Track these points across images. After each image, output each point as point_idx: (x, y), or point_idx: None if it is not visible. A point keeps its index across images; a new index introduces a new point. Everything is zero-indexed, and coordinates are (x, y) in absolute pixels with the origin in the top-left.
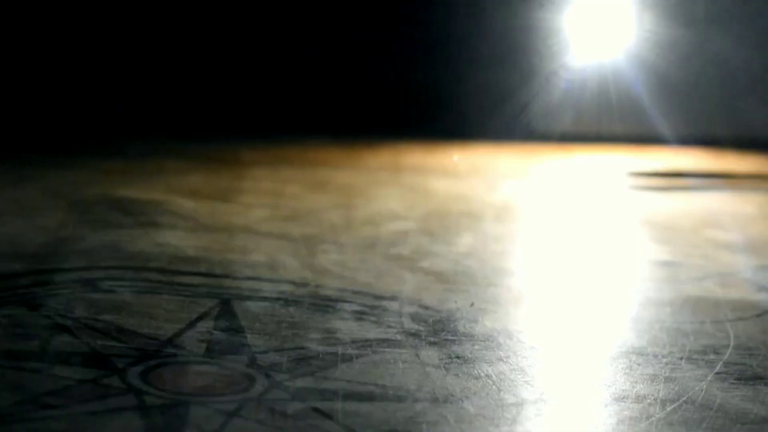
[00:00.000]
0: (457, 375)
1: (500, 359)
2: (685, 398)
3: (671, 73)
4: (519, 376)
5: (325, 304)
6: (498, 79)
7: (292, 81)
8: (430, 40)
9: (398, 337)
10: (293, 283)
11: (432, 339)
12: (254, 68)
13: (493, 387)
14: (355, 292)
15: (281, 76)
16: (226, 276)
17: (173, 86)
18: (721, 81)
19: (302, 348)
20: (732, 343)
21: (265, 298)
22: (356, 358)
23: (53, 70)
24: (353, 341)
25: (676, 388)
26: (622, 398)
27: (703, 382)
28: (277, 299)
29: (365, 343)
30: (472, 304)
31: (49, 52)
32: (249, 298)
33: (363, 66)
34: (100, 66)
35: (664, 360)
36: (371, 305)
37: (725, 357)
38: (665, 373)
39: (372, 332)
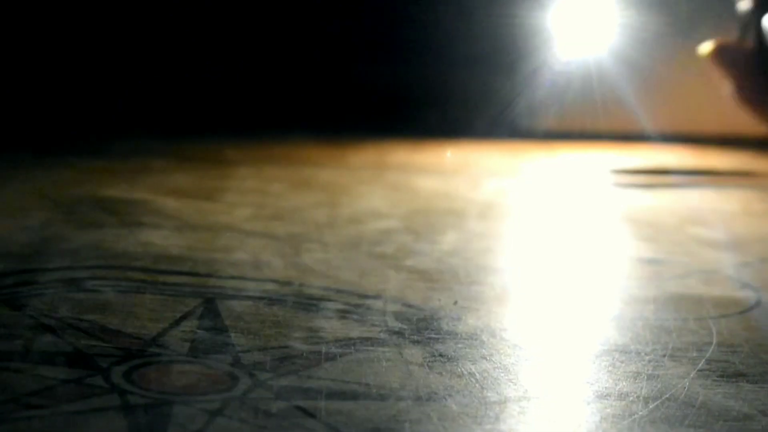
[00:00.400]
0: (440, 373)
1: (484, 357)
2: (667, 395)
3: (655, 69)
4: (502, 374)
5: (308, 303)
6: (482, 77)
7: (276, 80)
8: (414, 38)
9: (382, 335)
10: (277, 282)
11: (415, 337)
12: (238, 67)
13: (477, 385)
14: (338, 291)
15: (265, 75)
16: (210, 275)
17: (157, 86)
18: (705, 78)
19: (286, 347)
20: (715, 341)
21: (249, 297)
22: (340, 356)
23: (35, 70)
24: (337, 340)
25: (659, 386)
26: (605, 396)
27: (686, 380)
28: (261, 298)
29: (349, 342)
30: (455, 303)
31: (31, 51)
32: (233, 297)
33: (347, 65)
34: (82, 66)
35: (647, 357)
36: (355, 304)
37: (708, 354)
38: (648, 370)
39: (355, 331)
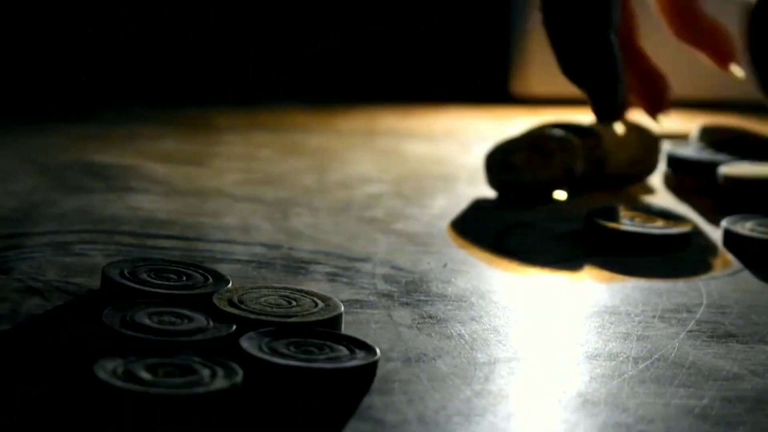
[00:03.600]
0: (429, 335)
1: (473, 319)
2: (657, 356)
3: (645, 33)
4: (492, 336)
5: (297, 266)
6: (473, 42)
7: (264, 45)
8: (402, 1)
9: (371, 298)
10: (266, 245)
11: (405, 300)
12: (226, 33)
13: (466, 346)
14: (327, 254)
15: (253, 40)
16: (198, 239)
17: (145, 51)
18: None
19: None
20: (705, 302)
21: (237, 261)
22: None
23: (21, 35)
24: None
25: (649, 346)
26: (595, 356)
27: (676, 340)
28: (250, 261)
29: None
30: (445, 265)
31: (17, 16)
32: (221, 260)
33: (336, 30)
34: (70, 32)
35: (637, 319)
36: (344, 267)
37: (698, 315)
38: (638, 331)
39: (345, 293)
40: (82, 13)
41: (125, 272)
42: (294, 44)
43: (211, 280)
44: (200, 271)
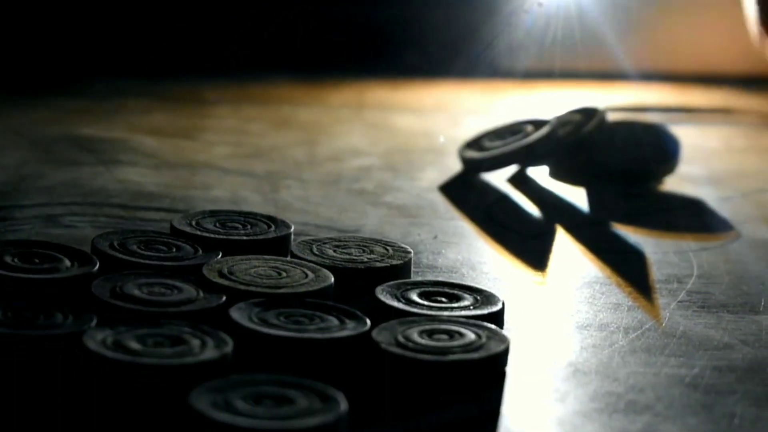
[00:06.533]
0: None
1: None
2: (648, 326)
3: (636, 7)
4: None
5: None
6: (462, 16)
7: (254, 18)
8: None
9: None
10: None
11: None
12: (216, 6)
13: None
14: (318, 226)
15: (243, 12)
16: (188, 211)
17: (135, 25)
18: (686, 15)
19: None
20: (695, 273)
21: None
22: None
23: (10, 9)
24: None
25: (639, 316)
26: (585, 326)
27: (667, 311)
28: None
29: None
30: (435, 237)
31: None
32: None
33: (326, 3)
34: (59, 4)
35: (627, 289)
36: None
37: (688, 286)
38: (628, 302)
39: None
40: None
41: (115, 244)
42: (284, 18)
43: (200, 251)
44: (190, 243)
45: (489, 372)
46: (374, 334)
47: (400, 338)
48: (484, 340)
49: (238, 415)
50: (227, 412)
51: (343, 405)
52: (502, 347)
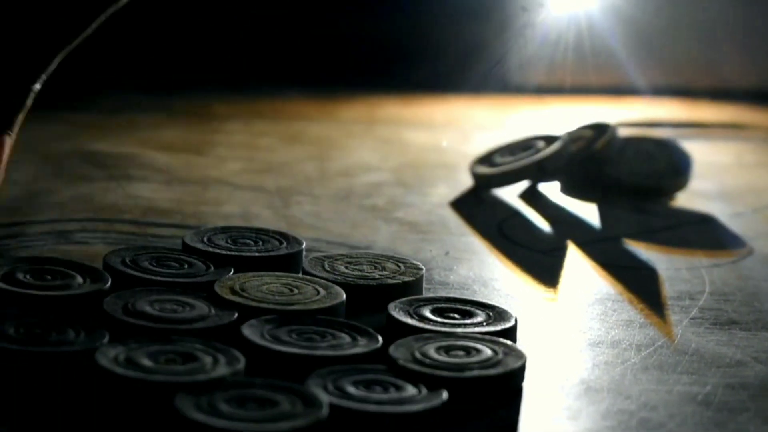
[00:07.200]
0: None
1: None
2: (660, 343)
3: (647, 22)
4: None
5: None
6: (472, 31)
7: (265, 33)
8: None
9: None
10: None
11: None
12: (227, 21)
13: None
14: (329, 243)
15: (254, 28)
16: (199, 227)
17: (146, 40)
18: (697, 31)
19: None
20: (707, 289)
21: None
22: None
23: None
24: None
25: (651, 333)
26: (598, 343)
27: (679, 327)
28: None
29: None
30: (447, 253)
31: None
32: None
33: (337, 18)
34: None
35: (639, 306)
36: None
37: (701, 303)
38: (640, 318)
39: None
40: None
41: (126, 260)
42: (295, 33)
43: (212, 268)
44: (202, 259)
45: (506, 388)
46: (391, 350)
47: (417, 354)
48: (500, 356)
49: (216, 417)
50: (210, 414)
51: (325, 410)
52: (519, 363)
